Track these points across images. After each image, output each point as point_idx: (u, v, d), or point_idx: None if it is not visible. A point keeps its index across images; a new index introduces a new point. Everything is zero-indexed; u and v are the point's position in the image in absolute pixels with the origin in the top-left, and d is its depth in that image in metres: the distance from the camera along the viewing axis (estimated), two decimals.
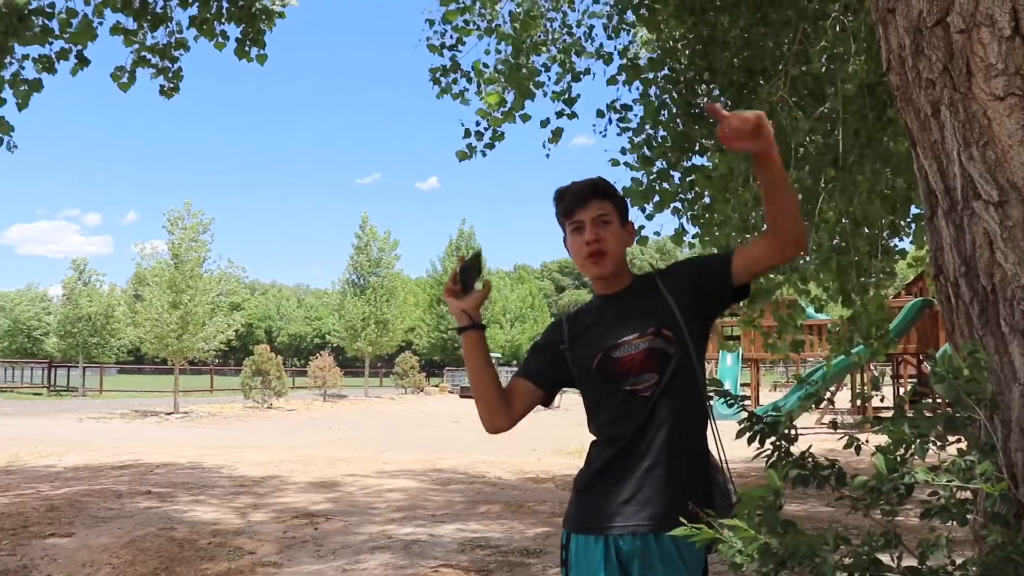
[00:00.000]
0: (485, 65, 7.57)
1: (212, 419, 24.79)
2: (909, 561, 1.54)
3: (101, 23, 7.39)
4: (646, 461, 2.20)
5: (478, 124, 7.71)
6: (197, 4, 7.52)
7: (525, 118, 7.51)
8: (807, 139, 5.23)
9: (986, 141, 1.90)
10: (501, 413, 2.35)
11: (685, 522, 1.59)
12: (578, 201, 2.31)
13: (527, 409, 2.37)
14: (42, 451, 14.25)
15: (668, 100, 6.45)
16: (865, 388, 21.16)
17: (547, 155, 8.03)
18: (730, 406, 2.05)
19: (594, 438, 2.36)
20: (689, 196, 6.59)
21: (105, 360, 45.00)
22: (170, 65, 7.95)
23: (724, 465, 2.31)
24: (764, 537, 1.44)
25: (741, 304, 5.98)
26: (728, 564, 1.51)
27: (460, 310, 2.30)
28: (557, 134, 7.60)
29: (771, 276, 5.84)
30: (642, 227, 6.73)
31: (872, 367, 21.94)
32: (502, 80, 7.35)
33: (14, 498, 8.86)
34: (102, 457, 13.31)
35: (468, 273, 2.31)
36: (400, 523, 7.70)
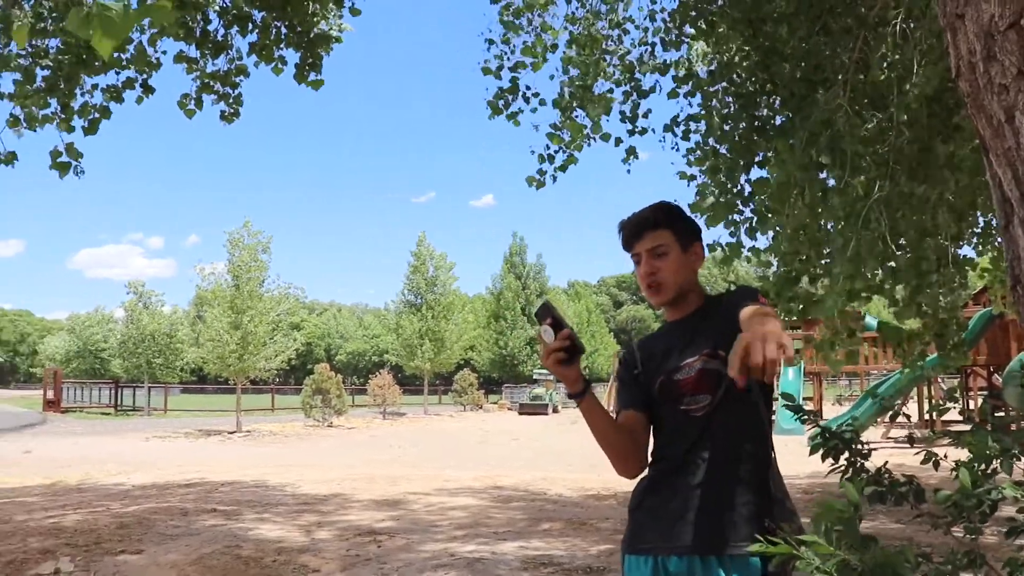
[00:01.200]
0: (562, 96, 7.55)
1: (274, 438, 25.14)
2: None
3: (164, 53, 7.60)
4: (694, 480, 2.20)
5: (547, 148, 7.72)
6: (257, 31, 7.69)
7: (606, 138, 7.51)
8: (864, 148, 5.14)
9: None
10: (634, 459, 2.34)
11: (761, 538, 1.56)
12: (634, 234, 2.37)
13: (647, 438, 2.38)
14: (111, 469, 14.60)
15: (728, 113, 6.41)
16: (935, 400, 20.63)
17: (628, 171, 8.01)
18: (803, 422, 2.02)
19: (652, 459, 2.37)
20: (746, 210, 6.54)
21: (169, 380, 45.95)
22: (231, 91, 8.14)
23: (782, 482, 2.28)
24: (843, 553, 1.41)
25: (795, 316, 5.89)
26: None
27: (572, 374, 2.22)
28: (631, 152, 7.63)
29: (823, 287, 5.76)
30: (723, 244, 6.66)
31: (940, 380, 21.40)
32: (575, 105, 7.38)
33: (87, 515, 9.08)
34: (168, 475, 13.59)
35: (561, 326, 2.22)
36: (463, 540, 7.71)
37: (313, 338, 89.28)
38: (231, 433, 25.95)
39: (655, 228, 2.34)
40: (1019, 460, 1.63)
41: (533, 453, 19.73)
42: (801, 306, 5.76)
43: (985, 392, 21.82)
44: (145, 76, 7.62)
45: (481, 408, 44.71)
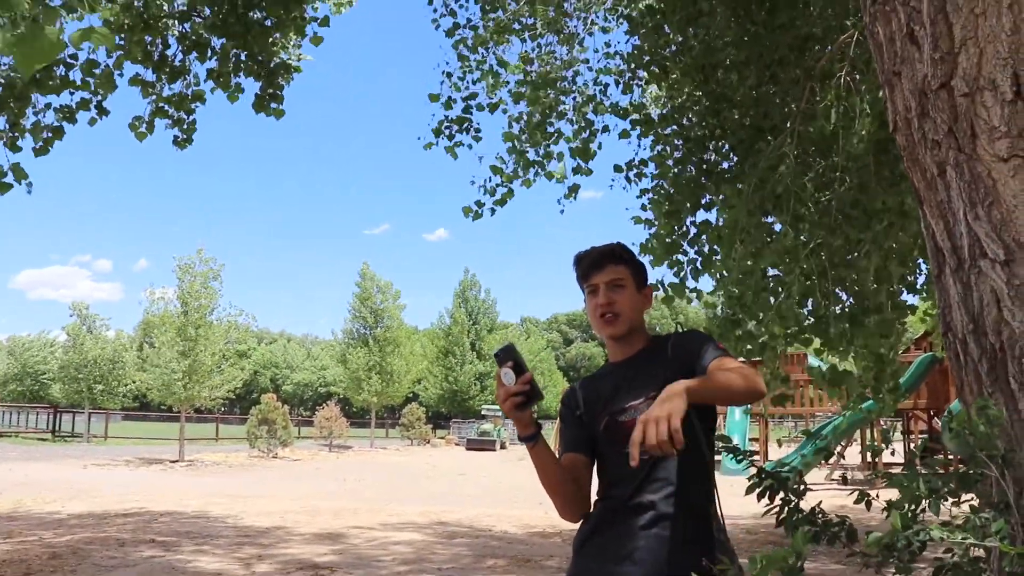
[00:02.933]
0: (509, 135, 7.59)
1: (217, 468, 24.66)
2: None
3: (121, 75, 7.55)
4: (640, 521, 2.22)
5: (489, 180, 7.71)
6: (216, 58, 7.68)
7: (549, 176, 7.54)
8: (809, 195, 5.28)
9: (991, 201, 1.94)
10: (576, 504, 2.36)
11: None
12: (594, 265, 2.40)
13: (590, 480, 2.39)
14: (46, 497, 14.18)
15: (678, 156, 6.54)
16: (876, 442, 20.99)
17: (562, 211, 8.03)
18: (739, 462, 2.06)
19: (597, 498, 2.39)
20: (691, 251, 6.65)
21: (111, 406, 44.83)
22: (185, 116, 8.09)
23: (723, 523, 2.32)
24: None
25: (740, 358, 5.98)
26: None
27: (525, 418, 2.23)
28: (573, 190, 7.66)
29: (769, 330, 5.87)
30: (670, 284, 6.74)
31: (882, 422, 21.78)
32: (523, 140, 7.43)
33: (16, 545, 8.81)
34: (106, 504, 13.25)
35: (522, 370, 2.21)
36: None
37: (260, 367, 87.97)
38: (173, 462, 25.39)
39: (615, 262, 2.39)
40: (947, 501, 1.68)
41: (480, 489, 19.61)
42: (749, 347, 5.85)
43: (925, 435, 22.26)
44: (100, 98, 7.55)
45: (428, 443, 44.32)
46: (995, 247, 1.93)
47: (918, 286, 6.83)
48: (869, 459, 21.99)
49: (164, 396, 27.68)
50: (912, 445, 20.82)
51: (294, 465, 26.95)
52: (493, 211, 7.72)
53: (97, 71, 7.23)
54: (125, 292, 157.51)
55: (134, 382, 37.07)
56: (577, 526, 2.40)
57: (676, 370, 2.27)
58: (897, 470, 2.02)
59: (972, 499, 1.70)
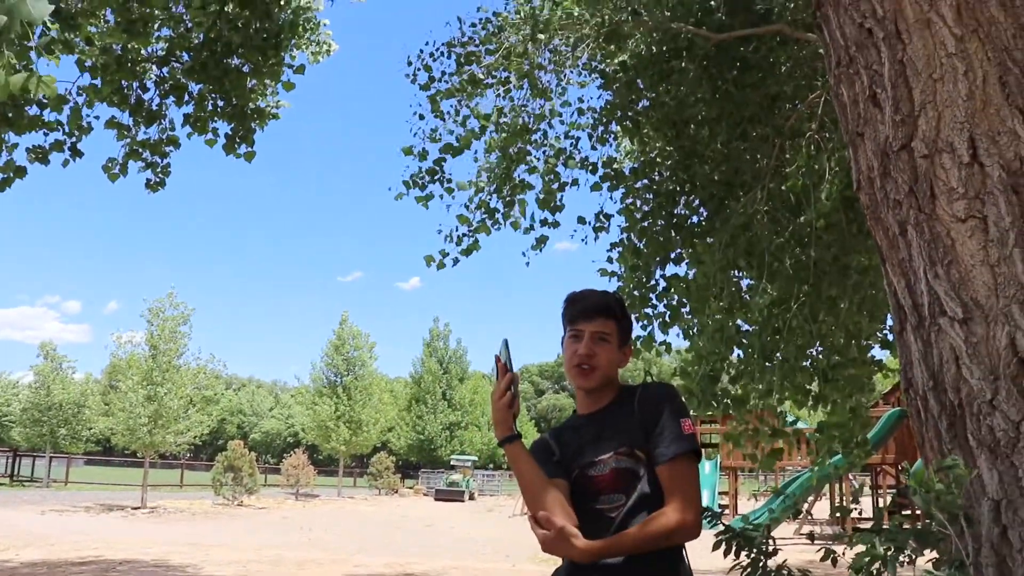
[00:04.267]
0: (469, 175, 7.62)
1: (180, 515, 24.17)
2: None
3: (97, 118, 7.55)
4: (606, 574, 2.19)
5: (456, 229, 7.67)
6: (193, 103, 7.71)
7: (516, 225, 7.53)
8: (780, 252, 5.36)
9: (950, 260, 1.98)
10: (562, 512, 2.25)
11: None
12: (586, 314, 2.37)
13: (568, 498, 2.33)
14: None
15: (648, 210, 6.61)
16: (844, 498, 21.01)
17: (527, 263, 7.98)
18: (708, 520, 2.06)
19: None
20: (660, 305, 6.69)
21: (73, 451, 43.88)
22: (159, 160, 8.08)
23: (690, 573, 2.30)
24: None
25: (717, 414, 6.00)
26: None
27: (509, 418, 2.24)
28: (541, 241, 7.63)
29: (743, 386, 5.89)
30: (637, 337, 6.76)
31: (851, 478, 21.84)
32: (490, 190, 7.46)
33: None
34: (62, 552, 12.91)
35: (507, 368, 2.26)
36: None
37: (228, 414, 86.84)
38: (135, 508, 24.86)
39: (607, 315, 2.37)
40: (915, 557, 1.69)
41: (448, 540, 19.35)
42: (726, 401, 5.86)
43: (893, 490, 22.32)
44: (75, 140, 7.53)
45: (397, 492, 43.79)
46: (954, 305, 1.97)
47: (890, 340, 6.91)
48: (838, 515, 21.99)
49: (128, 441, 27.17)
50: (880, 501, 20.86)
51: (259, 513, 26.48)
52: (457, 260, 7.67)
53: (66, 107, 7.23)
54: (94, 334, 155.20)
55: (96, 427, 36.47)
56: None
57: (639, 428, 2.27)
58: (866, 526, 2.03)
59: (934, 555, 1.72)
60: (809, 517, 21.38)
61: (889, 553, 1.60)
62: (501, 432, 2.25)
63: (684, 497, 2.16)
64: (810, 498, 19.02)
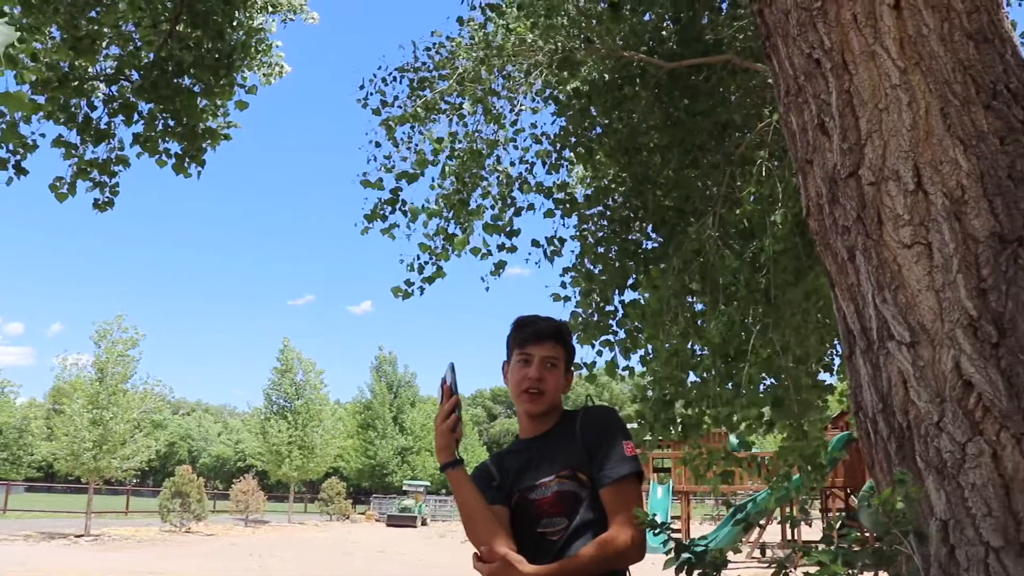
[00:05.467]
0: (427, 201, 7.61)
1: (126, 543, 23.59)
2: None
3: (43, 136, 7.40)
4: None
5: (418, 258, 7.64)
6: (143, 122, 7.60)
7: (475, 252, 7.50)
8: (735, 277, 5.44)
9: (897, 285, 2.03)
10: (503, 536, 2.23)
11: None
12: (537, 338, 2.38)
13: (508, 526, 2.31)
14: None
15: (602, 236, 6.67)
16: (795, 515, 21.19)
17: (487, 288, 7.96)
18: (657, 535, 2.07)
19: None
20: (620, 331, 6.73)
21: (14, 477, 42.70)
22: (108, 180, 7.94)
23: None
24: None
25: (673, 438, 6.05)
26: None
27: (452, 443, 2.22)
28: (500, 266, 7.62)
29: (697, 411, 5.94)
30: (591, 363, 6.79)
31: (801, 500, 22.05)
32: (445, 214, 7.46)
33: None
34: None
35: (452, 391, 2.25)
36: None
37: (176, 439, 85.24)
38: (78, 536, 24.21)
39: (556, 341, 2.39)
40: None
41: (400, 567, 19.15)
42: (681, 427, 5.90)
43: (842, 513, 22.61)
44: (19, 157, 7.38)
45: (348, 518, 43.31)
46: (901, 329, 2.01)
47: (835, 367, 7.02)
48: (788, 536, 22.19)
49: (72, 466, 26.53)
50: (830, 523, 21.11)
51: (208, 540, 25.97)
52: (422, 290, 7.64)
53: (2, 123, 7.07)
54: (37, 357, 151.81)
55: (39, 452, 35.54)
56: None
57: (580, 452, 2.28)
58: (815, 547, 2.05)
59: None
60: (761, 539, 21.54)
61: (849, 572, 1.61)
62: (444, 457, 2.23)
63: (628, 518, 2.17)
64: (762, 522, 19.18)
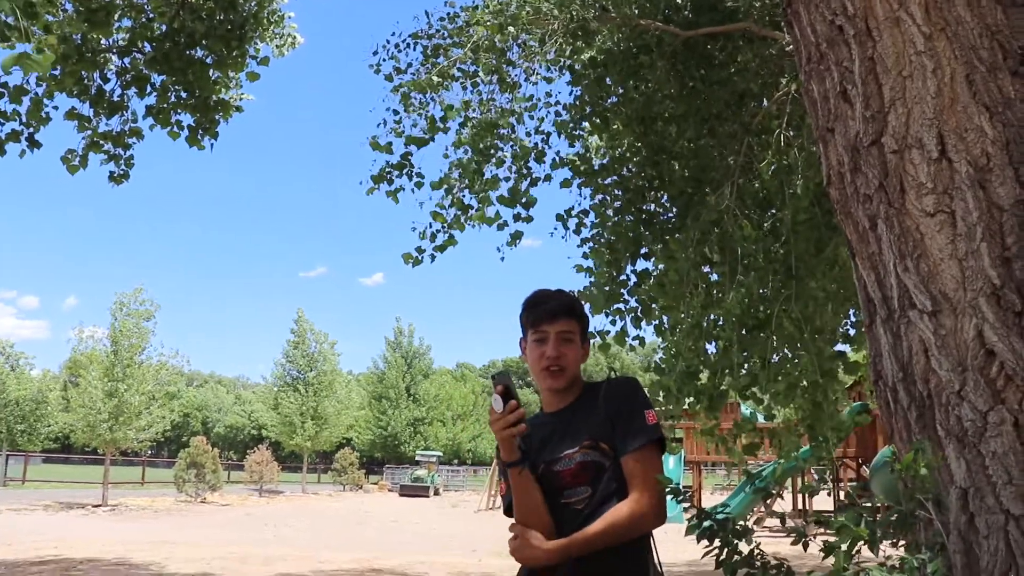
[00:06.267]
0: (440, 171, 7.59)
1: (142, 513, 23.88)
2: None
3: (56, 108, 7.41)
4: (576, 569, 2.20)
5: (430, 226, 7.67)
6: (155, 94, 7.60)
7: (489, 222, 7.50)
8: (754, 247, 5.41)
9: (919, 254, 2.02)
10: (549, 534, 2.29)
11: None
12: (550, 315, 2.39)
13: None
14: None
15: (618, 206, 6.65)
16: (807, 484, 21.24)
17: (502, 258, 7.98)
18: (679, 502, 2.08)
19: None
20: (631, 300, 6.72)
21: (31, 448, 43.11)
22: (122, 152, 7.96)
23: (660, 566, 2.33)
24: None
25: (698, 409, 6.04)
26: None
27: (512, 443, 2.25)
28: (516, 237, 7.63)
29: (720, 381, 5.93)
30: (606, 332, 6.81)
31: (813, 471, 22.10)
32: (461, 186, 7.44)
33: None
34: (21, 552, 12.70)
35: (510, 395, 2.24)
36: None
37: (190, 410, 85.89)
38: (96, 506, 24.50)
39: (570, 316, 2.40)
40: (882, 542, 1.72)
41: (413, 536, 19.33)
42: (706, 402, 5.90)
43: (853, 483, 22.66)
44: (32, 130, 7.39)
45: (361, 488, 43.63)
46: (923, 298, 2.01)
47: (851, 336, 7.00)
48: (801, 505, 22.27)
49: (88, 437, 26.78)
50: (841, 494, 21.12)
51: (223, 510, 26.25)
52: (433, 257, 7.68)
53: (25, 99, 7.09)
54: (52, 330, 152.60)
55: (56, 424, 35.88)
56: (513, 569, 2.39)
57: (603, 423, 2.30)
58: (828, 518, 2.06)
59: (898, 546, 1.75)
60: (771, 510, 21.62)
61: (871, 536, 1.62)
62: (509, 456, 2.26)
63: (647, 486, 2.21)
64: (775, 491, 19.24)
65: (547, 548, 2.20)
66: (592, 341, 6.56)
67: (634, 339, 6.77)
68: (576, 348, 2.40)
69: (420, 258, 7.66)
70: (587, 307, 6.56)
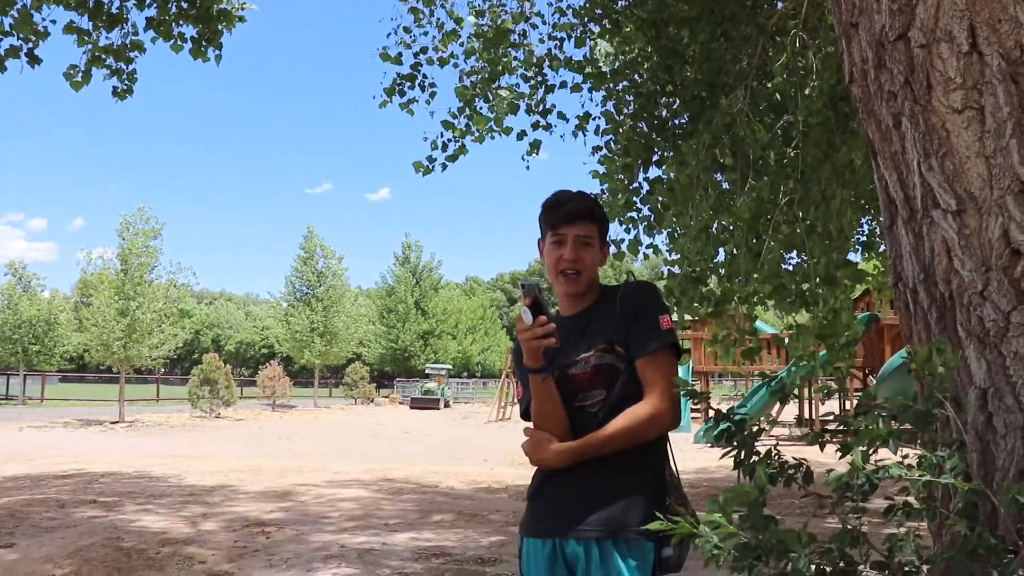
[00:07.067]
0: (465, 88, 7.49)
1: (159, 428, 24.35)
2: (877, 558, 1.58)
3: (54, 22, 7.26)
4: (591, 470, 2.23)
5: (441, 136, 7.62)
6: (155, 5, 7.42)
7: (507, 131, 7.46)
8: (765, 151, 5.33)
9: (945, 152, 1.97)
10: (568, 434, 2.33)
11: (661, 516, 1.61)
12: (568, 218, 2.34)
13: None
14: None
15: (629, 112, 6.54)
16: (813, 401, 21.48)
17: (527, 167, 7.93)
18: (696, 403, 2.09)
19: None
20: (644, 208, 6.67)
21: (47, 368, 43.71)
22: (124, 67, 7.80)
23: (676, 471, 2.36)
24: (743, 533, 1.47)
25: (702, 314, 6.05)
26: (701, 561, 1.53)
27: (538, 353, 2.23)
28: (535, 146, 7.58)
29: (726, 287, 5.92)
30: (620, 240, 6.81)
31: (819, 382, 22.28)
32: (476, 98, 7.35)
33: None
34: (44, 466, 13.00)
35: (541, 309, 2.21)
36: (353, 532, 7.64)
37: (201, 327, 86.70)
38: (113, 423, 25.00)
39: (588, 219, 2.36)
40: (904, 443, 1.72)
41: (424, 447, 19.70)
42: (710, 308, 5.90)
43: (860, 393, 22.87)
44: (31, 45, 7.25)
45: (372, 402, 44.30)
46: (947, 197, 1.96)
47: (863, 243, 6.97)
48: (808, 416, 22.54)
49: (103, 356, 27.17)
50: (848, 404, 21.35)
51: (237, 425, 26.75)
52: (444, 166, 7.68)
53: (13, 11, 6.92)
54: (61, 252, 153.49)
55: (70, 344, 36.21)
56: (525, 478, 2.42)
57: (619, 326, 2.30)
58: (834, 427, 2.06)
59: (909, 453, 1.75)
60: (778, 418, 21.90)
61: (889, 434, 1.62)
62: (533, 362, 2.25)
63: (660, 389, 2.22)
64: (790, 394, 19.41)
65: (559, 449, 2.23)
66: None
67: (647, 247, 6.75)
68: (594, 252, 2.37)
69: (431, 167, 7.64)
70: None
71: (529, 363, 2.25)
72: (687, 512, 2.12)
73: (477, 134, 7.46)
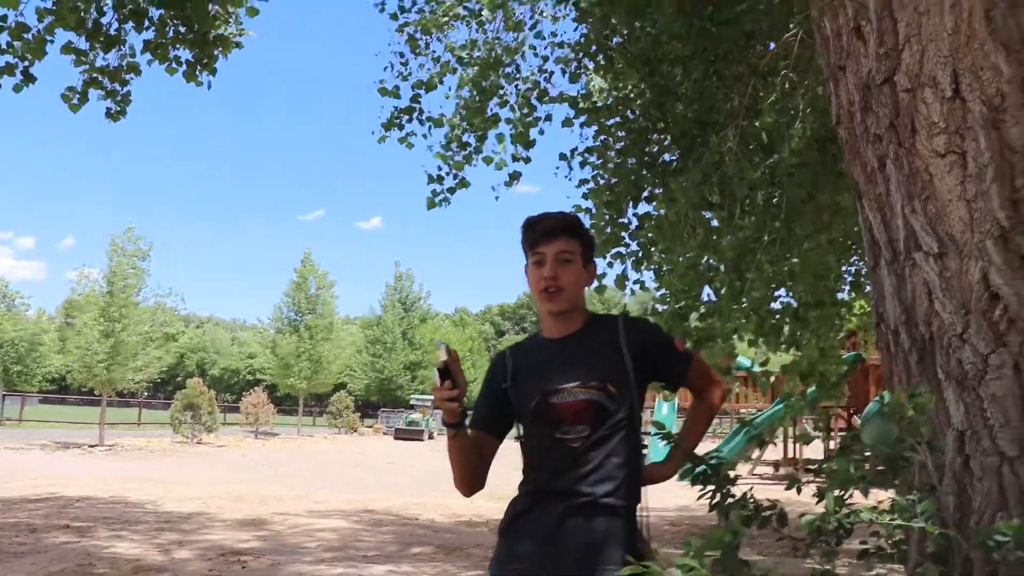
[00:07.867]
0: (440, 108, 7.61)
1: (139, 453, 24.08)
2: None
3: (52, 41, 7.27)
4: (566, 504, 2.18)
5: (439, 169, 7.74)
6: (153, 28, 7.45)
7: (487, 160, 7.56)
8: (753, 191, 5.38)
9: (927, 195, 1.99)
10: (475, 481, 2.39)
11: (632, 560, 1.59)
12: (547, 235, 2.30)
13: (491, 458, 2.40)
14: None
15: (621, 147, 6.60)
16: (796, 440, 21.44)
17: (496, 197, 8.03)
18: (665, 446, 2.09)
19: (522, 479, 2.35)
20: (632, 244, 6.70)
21: (28, 388, 43.28)
22: (119, 88, 7.82)
23: (647, 517, 2.30)
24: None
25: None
26: None
27: (457, 408, 2.19)
28: (514, 177, 7.66)
29: (709, 324, 5.94)
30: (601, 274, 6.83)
31: (805, 421, 22.29)
32: (463, 125, 7.42)
33: None
34: (18, 489, 12.80)
35: (447, 375, 2.17)
36: (330, 563, 7.54)
37: (186, 351, 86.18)
38: (92, 446, 24.69)
39: (568, 235, 2.31)
40: (872, 488, 1.72)
41: (407, 478, 19.55)
42: (695, 339, 5.93)
43: (845, 432, 22.85)
44: (27, 64, 7.26)
45: (356, 431, 44.00)
46: (929, 240, 1.98)
47: (848, 283, 7.01)
48: (790, 454, 22.50)
49: (85, 378, 26.89)
50: (832, 443, 21.31)
51: (219, 451, 26.48)
52: (447, 200, 7.85)
53: (28, 36, 6.95)
54: (49, 271, 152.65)
55: (52, 365, 35.97)
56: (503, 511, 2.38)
57: (619, 364, 2.25)
58: (821, 463, 2.06)
59: (890, 493, 1.75)
60: (761, 456, 21.85)
61: (861, 479, 1.62)
62: (451, 418, 2.23)
63: (710, 374, 2.49)
64: (768, 438, 19.39)
65: (676, 465, 2.35)
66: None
67: (634, 283, 6.77)
68: (576, 269, 2.31)
69: (438, 201, 7.78)
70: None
71: (445, 417, 2.22)
72: (649, 555, 2.09)
73: (460, 163, 7.56)
